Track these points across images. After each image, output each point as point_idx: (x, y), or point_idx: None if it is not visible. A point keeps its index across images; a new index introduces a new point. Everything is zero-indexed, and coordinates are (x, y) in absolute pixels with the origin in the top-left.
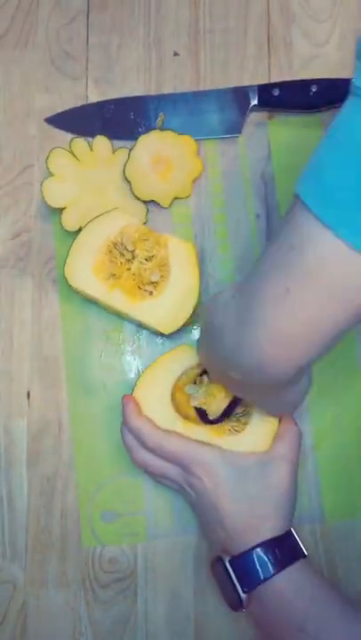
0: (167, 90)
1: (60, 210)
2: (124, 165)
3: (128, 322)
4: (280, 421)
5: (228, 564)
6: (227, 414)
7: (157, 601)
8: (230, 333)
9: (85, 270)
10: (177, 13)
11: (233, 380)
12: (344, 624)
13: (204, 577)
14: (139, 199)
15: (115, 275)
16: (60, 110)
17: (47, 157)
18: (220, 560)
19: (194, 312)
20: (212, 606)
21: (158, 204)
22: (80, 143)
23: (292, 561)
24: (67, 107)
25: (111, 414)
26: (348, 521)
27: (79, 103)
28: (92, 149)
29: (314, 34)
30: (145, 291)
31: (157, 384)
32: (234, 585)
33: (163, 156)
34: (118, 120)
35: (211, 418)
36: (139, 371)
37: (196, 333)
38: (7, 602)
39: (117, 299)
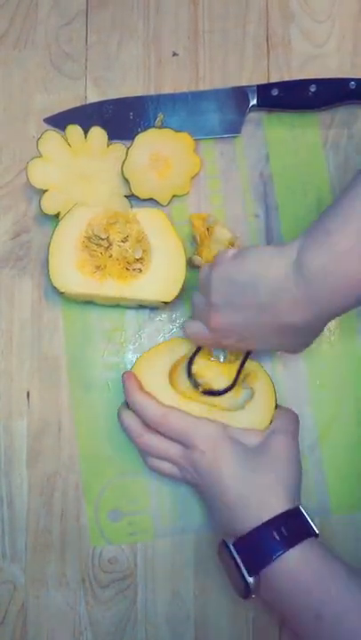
0: (166, 90)
1: (42, 192)
2: (122, 164)
3: (129, 309)
4: (276, 407)
5: (232, 547)
6: (234, 384)
7: (157, 601)
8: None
9: (70, 273)
10: (176, 13)
11: (260, 331)
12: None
13: (204, 577)
14: (137, 197)
15: (100, 266)
16: (59, 110)
17: (39, 138)
18: (224, 544)
19: (187, 271)
20: (212, 606)
21: (157, 202)
22: (75, 129)
23: (302, 539)
24: (66, 107)
25: (115, 413)
26: (355, 513)
27: (78, 103)
28: (86, 139)
29: (313, 34)
30: (134, 270)
31: (156, 363)
32: (240, 569)
33: (161, 153)
34: (117, 120)
35: (217, 388)
36: None
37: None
38: (7, 602)
39: (111, 287)
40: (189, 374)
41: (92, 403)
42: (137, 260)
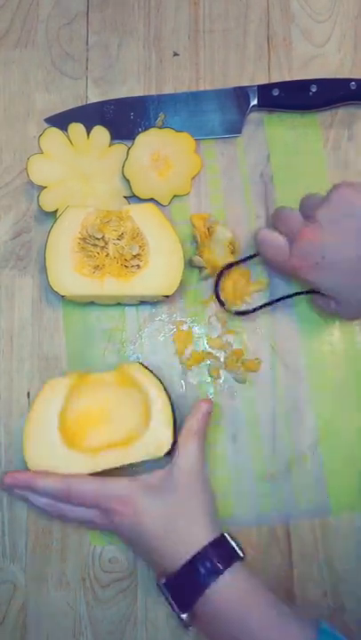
0: (167, 90)
1: (42, 188)
2: (123, 164)
3: (129, 308)
4: (175, 423)
5: (162, 587)
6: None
7: (157, 601)
8: None
9: (69, 276)
10: (177, 13)
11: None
12: (279, 631)
13: None
14: (138, 197)
15: (98, 266)
16: (60, 110)
17: (41, 134)
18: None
19: (185, 265)
20: None
21: (158, 202)
22: (77, 127)
23: (228, 565)
24: (67, 107)
25: None
26: (355, 513)
27: (79, 103)
28: (88, 137)
29: (314, 34)
30: (132, 266)
31: (42, 422)
32: (173, 607)
33: (162, 153)
34: (118, 120)
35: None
36: None
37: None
38: (7, 602)
39: (111, 286)
40: (218, 297)
41: None
42: (134, 256)
